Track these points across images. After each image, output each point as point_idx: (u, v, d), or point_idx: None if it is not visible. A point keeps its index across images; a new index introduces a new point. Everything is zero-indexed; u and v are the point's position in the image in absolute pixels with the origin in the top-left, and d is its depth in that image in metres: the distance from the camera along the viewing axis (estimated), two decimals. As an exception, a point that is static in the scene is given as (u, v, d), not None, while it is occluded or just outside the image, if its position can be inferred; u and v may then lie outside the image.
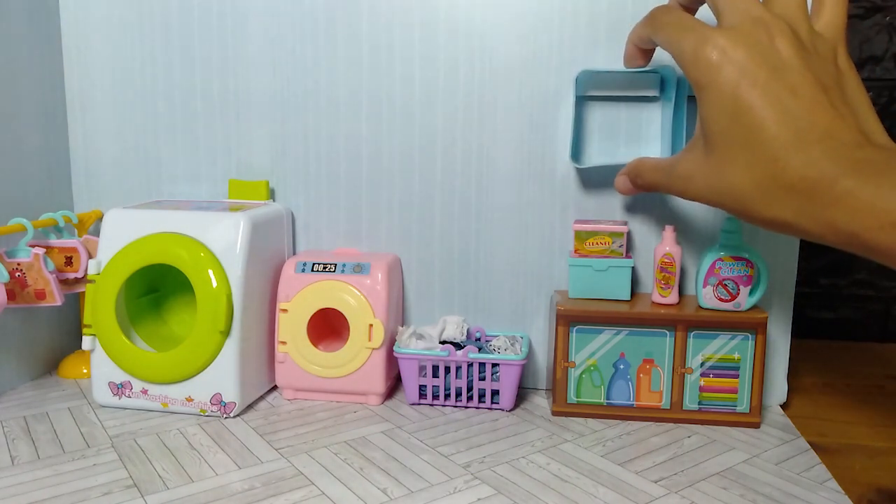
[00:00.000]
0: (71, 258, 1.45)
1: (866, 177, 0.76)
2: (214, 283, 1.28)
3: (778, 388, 1.43)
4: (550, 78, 1.40)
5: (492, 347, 1.41)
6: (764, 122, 0.85)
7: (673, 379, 1.32)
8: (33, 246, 1.39)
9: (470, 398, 1.38)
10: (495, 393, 1.38)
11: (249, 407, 1.37)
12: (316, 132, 1.49)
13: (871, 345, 1.88)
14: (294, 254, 1.53)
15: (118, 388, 1.34)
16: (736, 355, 1.30)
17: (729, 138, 0.89)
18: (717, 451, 1.22)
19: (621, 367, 1.32)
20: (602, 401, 1.34)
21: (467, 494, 1.06)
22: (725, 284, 1.29)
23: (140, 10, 1.51)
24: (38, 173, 1.51)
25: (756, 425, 1.31)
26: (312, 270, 1.39)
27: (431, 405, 1.40)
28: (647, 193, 1.39)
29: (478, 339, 1.46)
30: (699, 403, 1.32)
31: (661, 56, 1.34)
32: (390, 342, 1.40)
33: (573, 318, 1.31)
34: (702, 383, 1.32)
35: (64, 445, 1.21)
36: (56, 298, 1.39)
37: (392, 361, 1.41)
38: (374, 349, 1.36)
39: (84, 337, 1.35)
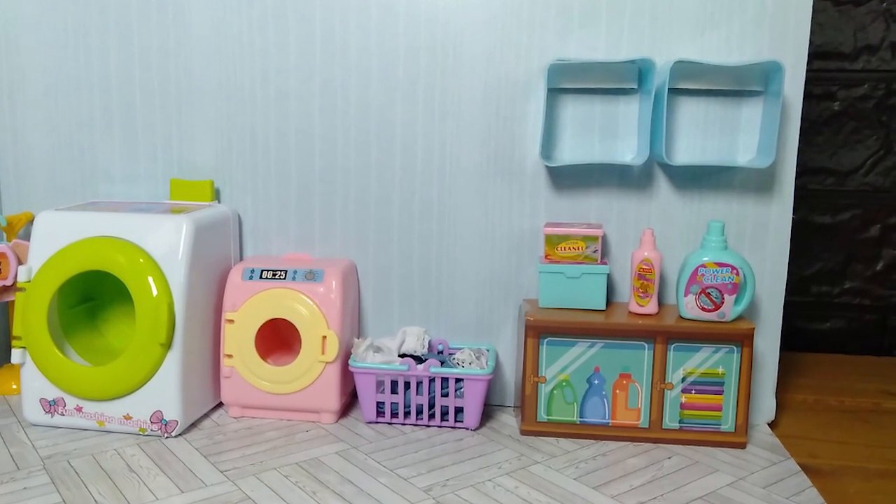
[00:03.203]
0: None
1: None
2: (155, 292, 1.24)
3: (765, 404, 1.39)
4: (519, 68, 1.35)
5: (455, 361, 1.36)
6: None
7: (652, 395, 1.27)
8: (-44, 251, 1.34)
9: (432, 416, 1.34)
10: (459, 410, 1.33)
11: (193, 425, 1.33)
12: (264, 127, 1.44)
13: (866, 358, 1.84)
14: (241, 259, 1.49)
15: (50, 405, 1.29)
16: (720, 369, 1.26)
17: None
18: (699, 473, 1.18)
19: (596, 382, 1.28)
20: (575, 419, 1.30)
21: (424, 525, 1.02)
22: (709, 293, 1.25)
23: (76, -6, 1.45)
24: (-34, 172, 1.45)
25: (742, 445, 1.28)
26: (261, 278, 1.35)
27: (390, 423, 1.36)
28: (623, 193, 1.36)
29: (440, 352, 1.42)
30: (680, 422, 1.28)
31: (640, 45, 1.31)
32: (345, 355, 1.36)
33: (543, 330, 1.27)
34: (683, 400, 1.28)
35: (-11, 468, 1.15)
36: (-17, 308, 1.34)
37: (347, 376, 1.37)
38: (327, 363, 1.32)
39: (13, 350, 1.30)
